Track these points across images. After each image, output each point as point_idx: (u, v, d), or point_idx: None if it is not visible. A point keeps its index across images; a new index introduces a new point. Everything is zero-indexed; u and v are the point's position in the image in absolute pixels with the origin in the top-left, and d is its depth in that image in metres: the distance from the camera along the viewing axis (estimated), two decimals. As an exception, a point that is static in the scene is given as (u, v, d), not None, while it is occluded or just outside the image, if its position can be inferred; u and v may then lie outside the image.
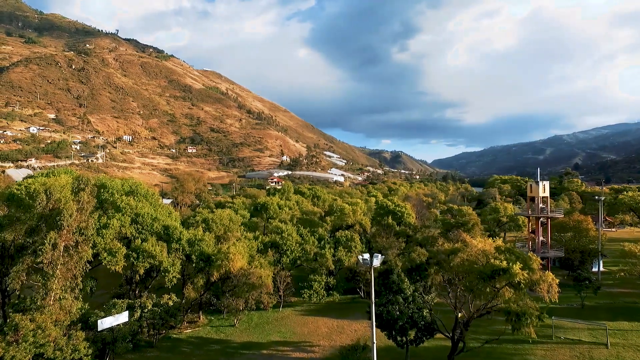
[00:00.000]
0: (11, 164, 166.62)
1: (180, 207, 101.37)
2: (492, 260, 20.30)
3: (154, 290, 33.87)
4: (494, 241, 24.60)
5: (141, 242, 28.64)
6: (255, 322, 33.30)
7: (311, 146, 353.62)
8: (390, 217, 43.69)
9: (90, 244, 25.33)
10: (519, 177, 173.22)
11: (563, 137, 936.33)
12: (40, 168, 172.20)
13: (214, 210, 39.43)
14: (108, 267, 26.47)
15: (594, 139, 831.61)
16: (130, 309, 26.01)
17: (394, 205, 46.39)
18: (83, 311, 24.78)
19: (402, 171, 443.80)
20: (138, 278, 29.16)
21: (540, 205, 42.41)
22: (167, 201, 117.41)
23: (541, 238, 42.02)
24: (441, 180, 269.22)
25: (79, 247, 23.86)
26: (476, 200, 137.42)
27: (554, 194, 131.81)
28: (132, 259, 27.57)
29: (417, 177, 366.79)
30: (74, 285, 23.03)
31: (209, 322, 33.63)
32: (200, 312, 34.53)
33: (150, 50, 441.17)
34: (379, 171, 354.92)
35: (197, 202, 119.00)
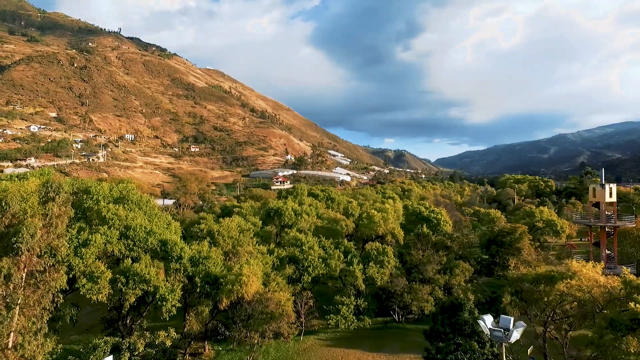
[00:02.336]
0: (10, 163, 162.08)
1: (183, 208, 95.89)
2: (632, 305, 14.16)
3: (149, 316, 28.05)
4: (593, 266, 18.41)
5: (131, 263, 22.74)
6: (273, 357, 27.35)
7: (315, 145, 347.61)
8: (424, 225, 37.55)
9: (65, 268, 19.50)
10: (536, 177, 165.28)
11: (567, 136, 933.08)
12: (40, 167, 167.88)
13: (220, 219, 33.24)
14: (87, 296, 20.60)
15: (599, 137, 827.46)
16: (117, 350, 20.16)
17: (428, 211, 40.17)
18: (54, 356, 18.99)
19: (408, 170, 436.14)
20: (128, 306, 23.30)
21: (606, 212, 36.09)
22: (169, 202, 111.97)
23: (606, 251, 35.72)
24: (448, 180, 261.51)
25: (47, 274, 18.06)
26: (492, 202, 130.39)
27: (574, 194, 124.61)
28: (119, 284, 21.67)
29: (423, 176, 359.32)
30: (40, 326, 17.24)
31: (217, 356, 27.74)
32: (206, 342, 28.68)
33: (153, 48, 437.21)
34: (385, 170, 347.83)
35: (201, 203, 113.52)
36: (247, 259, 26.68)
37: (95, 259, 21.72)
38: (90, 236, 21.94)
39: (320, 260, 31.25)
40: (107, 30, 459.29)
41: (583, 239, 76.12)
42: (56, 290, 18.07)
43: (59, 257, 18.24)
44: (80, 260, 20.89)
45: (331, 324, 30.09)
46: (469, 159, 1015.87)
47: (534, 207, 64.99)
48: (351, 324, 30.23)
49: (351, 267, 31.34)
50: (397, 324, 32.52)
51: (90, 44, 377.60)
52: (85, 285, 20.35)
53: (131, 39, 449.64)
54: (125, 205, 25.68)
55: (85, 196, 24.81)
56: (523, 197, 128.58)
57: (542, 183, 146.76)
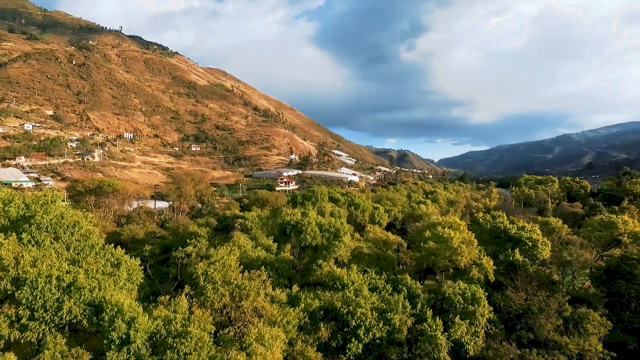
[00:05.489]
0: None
1: (177, 213, 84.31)
2: None
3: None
4: None
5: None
6: None
7: (319, 144, 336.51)
8: (517, 251, 25.27)
9: None
10: (567, 177, 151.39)
11: (572, 136, 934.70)
12: (30, 167, 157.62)
13: (213, 249, 20.06)
14: None
15: (604, 137, 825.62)
16: None
17: (516, 228, 27.71)
18: None
19: (414, 171, 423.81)
20: None
21: None
22: (163, 204, 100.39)
23: None
24: (458, 180, 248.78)
25: None
26: (524, 206, 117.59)
27: (613, 197, 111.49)
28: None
29: (430, 176, 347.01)
30: None
31: None
32: None
33: (155, 47, 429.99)
34: (392, 171, 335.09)
35: (200, 205, 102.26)
36: (257, 329, 14.52)
37: None
38: None
39: (376, 314, 19.03)
40: (108, 28, 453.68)
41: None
42: None
43: None
44: None
45: None
46: (472, 159, 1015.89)
47: (612, 215, 51.77)
48: None
49: (425, 324, 19.14)
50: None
51: (90, 42, 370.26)
52: None
53: (132, 37, 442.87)
54: (25, 234, 13.51)
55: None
56: (557, 201, 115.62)
57: (574, 184, 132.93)
